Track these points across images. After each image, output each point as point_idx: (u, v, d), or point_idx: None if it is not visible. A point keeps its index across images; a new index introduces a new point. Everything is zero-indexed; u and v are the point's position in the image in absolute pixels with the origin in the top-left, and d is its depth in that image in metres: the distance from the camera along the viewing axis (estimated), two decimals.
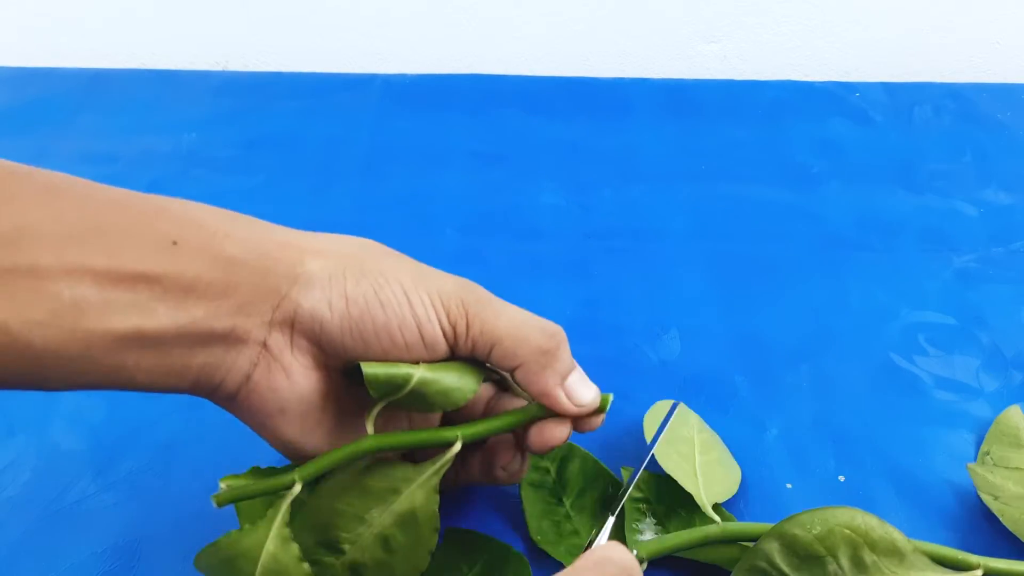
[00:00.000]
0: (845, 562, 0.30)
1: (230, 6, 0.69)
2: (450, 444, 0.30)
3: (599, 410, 0.32)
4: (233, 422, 0.41)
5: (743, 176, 0.58)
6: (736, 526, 0.33)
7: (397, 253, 0.31)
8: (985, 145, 0.61)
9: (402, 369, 0.29)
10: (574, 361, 0.31)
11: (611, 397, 0.32)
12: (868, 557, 0.30)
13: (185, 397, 0.41)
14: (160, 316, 0.25)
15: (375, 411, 0.30)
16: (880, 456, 0.39)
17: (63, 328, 0.23)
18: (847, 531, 0.30)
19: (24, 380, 0.24)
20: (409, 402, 0.30)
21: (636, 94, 0.67)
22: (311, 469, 0.29)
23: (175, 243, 0.25)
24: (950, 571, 0.31)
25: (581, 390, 0.31)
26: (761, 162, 0.59)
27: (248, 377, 0.28)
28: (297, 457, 0.30)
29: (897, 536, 0.30)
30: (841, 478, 0.38)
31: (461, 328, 0.29)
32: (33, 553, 0.35)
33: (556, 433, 0.31)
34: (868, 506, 0.37)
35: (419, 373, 0.29)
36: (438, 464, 0.30)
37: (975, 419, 0.41)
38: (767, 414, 0.41)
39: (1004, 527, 0.35)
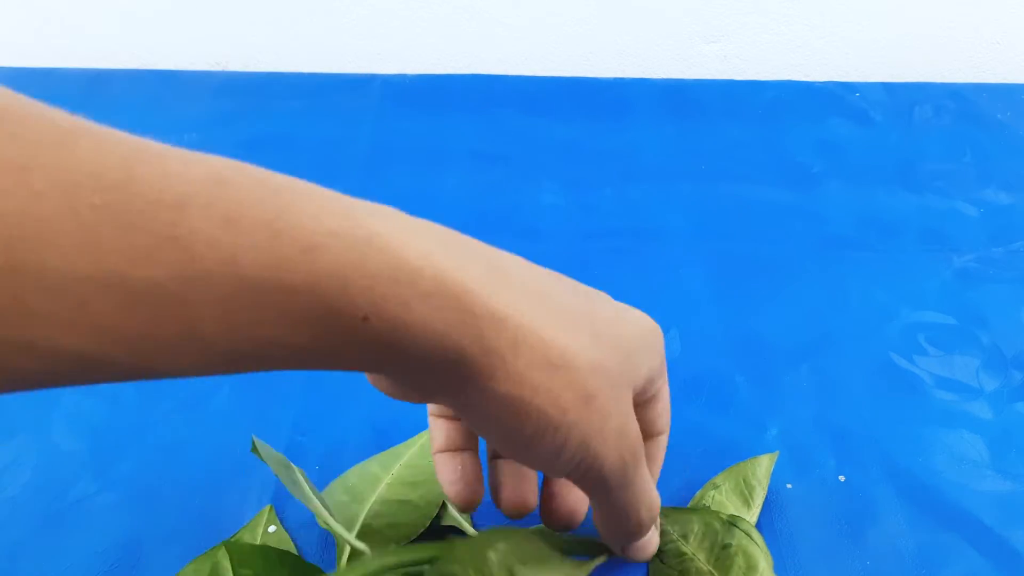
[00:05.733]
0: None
1: (230, 6, 0.69)
2: None
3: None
4: (233, 422, 0.41)
5: (743, 176, 0.58)
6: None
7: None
8: (985, 145, 0.61)
9: None
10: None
11: None
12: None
13: (184, 398, 0.41)
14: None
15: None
16: (880, 456, 0.39)
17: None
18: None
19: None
20: None
21: (636, 94, 0.67)
22: None
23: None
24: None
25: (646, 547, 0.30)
26: (761, 162, 0.59)
27: None
28: None
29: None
30: (841, 478, 0.38)
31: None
32: (33, 553, 0.35)
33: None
34: (868, 506, 0.37)
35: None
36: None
37: (975, 419, 0.41)
38: (767, 414, 0.41)
39: (1003, 527, 0.35)
